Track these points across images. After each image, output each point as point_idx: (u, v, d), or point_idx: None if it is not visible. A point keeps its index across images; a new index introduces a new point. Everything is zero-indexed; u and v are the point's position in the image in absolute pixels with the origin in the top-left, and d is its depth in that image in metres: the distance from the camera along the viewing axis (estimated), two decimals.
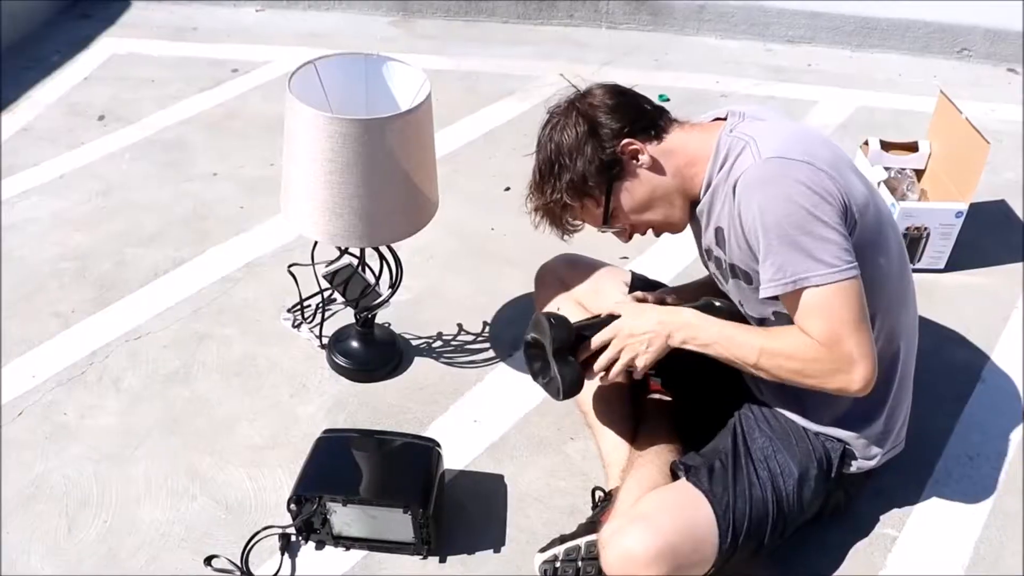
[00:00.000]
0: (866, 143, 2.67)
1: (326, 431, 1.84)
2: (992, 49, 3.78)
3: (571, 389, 1.62)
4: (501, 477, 1.91)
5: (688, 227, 1.70)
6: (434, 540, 1.70)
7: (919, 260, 2.50)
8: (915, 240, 2.46)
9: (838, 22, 3.86)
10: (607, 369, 1.60)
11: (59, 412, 2.04)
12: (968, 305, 2.41)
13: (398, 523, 1.67)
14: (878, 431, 1.66)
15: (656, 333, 1.55)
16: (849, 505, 1.75)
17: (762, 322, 1.62)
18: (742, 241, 1.49)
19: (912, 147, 2.67)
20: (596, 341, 1.60)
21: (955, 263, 2.51)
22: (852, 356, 1.43)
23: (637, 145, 1.56)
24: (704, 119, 1.68)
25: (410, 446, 1.78)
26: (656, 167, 1.58)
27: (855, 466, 1.67)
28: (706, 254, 1.69)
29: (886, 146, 2.67)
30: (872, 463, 1.68)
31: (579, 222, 1.68)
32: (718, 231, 1.57)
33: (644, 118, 1.59)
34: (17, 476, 1.89)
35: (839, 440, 1.65)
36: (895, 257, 1.59)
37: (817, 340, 1.44)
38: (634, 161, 1.58)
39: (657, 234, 1.69)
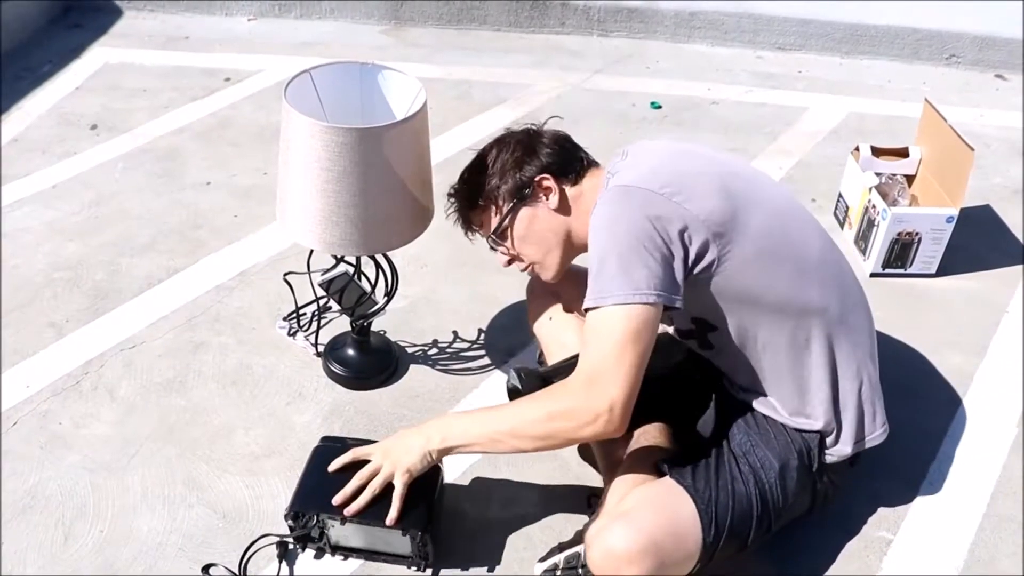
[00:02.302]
0: (857, 149, 2.69)
1: (324, 439, 1.83)
2: (980, 55, 3.81)
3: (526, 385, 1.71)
4: (498, 484, 1.91)
5: None
6: (432, 555, 1.69)
7: (911, 265, 2.52)
8: (906, 245, 2.48)
9: (828, 29, 3.89)
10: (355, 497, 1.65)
11: (54, 422, 2.04)
12: (960, 309, 2.43)
13: (397, 540, 1.67)
14: (840, 420, 1.66)
15: (385, 457, 1.65)
16: (836, 494, 1.75)
17: (689, 334, 1.71)
18: None
19: (903, 152, 2.70)
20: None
21: (947, 268, 2.53)
22: (605, 391, 1.45)
23: (551, 184, 1.68)
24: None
25: None
26: (562, 208, 1.69)
27: (833, 454, 1.68)
28: None
29: (877, 152, 2.69)
30: (849, 450, 1.68)
31: (477, 226, 1.80)
32: None
33: (571, 163, 1.70)
34: (13, 486, 1.88)
35: (811, 431, 1.66)
36: (804, 251, 1.61)
37: (579, 372, 1.48)
38: (543, 196, 1.69)
39: (532, 273, 1.80)
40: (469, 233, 1.82)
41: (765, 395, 1.69)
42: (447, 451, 1.60)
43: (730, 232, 1.51)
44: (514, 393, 1.71)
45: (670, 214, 1.48)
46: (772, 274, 1.57)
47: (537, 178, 1.67)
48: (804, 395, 1.65)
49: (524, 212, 1.70)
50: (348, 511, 1.62)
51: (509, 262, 1.79)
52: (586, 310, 1.49)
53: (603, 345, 1.46)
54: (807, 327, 1.60)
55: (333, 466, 1.69)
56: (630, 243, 1.46)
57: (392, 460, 1.63)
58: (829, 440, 1.67)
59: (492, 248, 1.79)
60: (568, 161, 1.70)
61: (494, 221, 1.74)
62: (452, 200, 1.80)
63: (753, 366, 1.65)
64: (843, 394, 1.66)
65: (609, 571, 1.48)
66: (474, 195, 1.75)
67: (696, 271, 1.51)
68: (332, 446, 1.78)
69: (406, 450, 1.62)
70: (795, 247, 1.61)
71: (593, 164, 1.73)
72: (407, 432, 1.65)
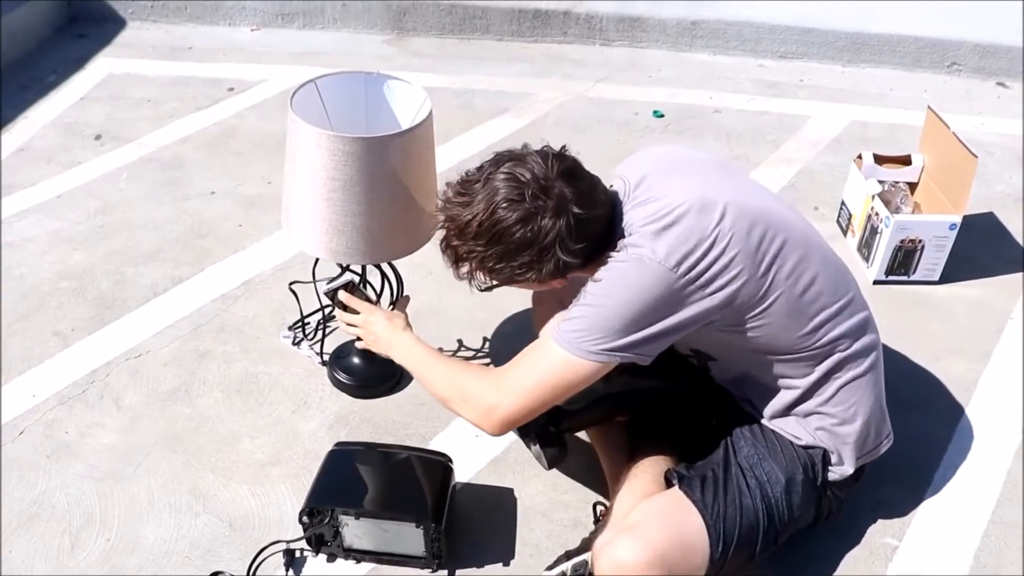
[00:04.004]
0: (859, 157, 2.70)
1: (338, 444, 1.85)
2: (981, 63, 3.82)
3: (554, 462, 1.75)
4: (504, 491, 1.91)
5: None
6: (445, 554, 1.71)
7: (914, 272, 2.52)
8: (910, 252, 2.49)
9: (830, 38, 3.90)
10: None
11: (60, 431, 2.04)
12: (963, 316, 2.43)
13: (409, 537, 1.68)
14: (844, 439, 1.66)
15: (375, 336, 1.80)
16: (842, 509, 1.76)
17: (697, 356, 1.70)
18: None
19: (905, 160, 2.70)
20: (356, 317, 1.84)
21: (950, 275, 2.53)
22: (502, 399, 1.54)
23: (573, 274, 1.55)
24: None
25: (422, 460, 1.79)
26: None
27: (835, 472, 1.68)
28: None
29: (879, 160, 2.70)
30: (850, 469, 1.69)
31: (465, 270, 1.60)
32: None
33: (598, 249, 1.52)
34: (19, 495, 1.89)
35: (816, 447, 1.66)
36: (820, 271, 1.56)
37: (500, 370, 1.57)
38: (557, 278, 1.55)
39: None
40: (450, 268, 1.63)
41: (769, 414, 1.69)
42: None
43: (758, 304, 1.50)
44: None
45: (691, 305, 1.46)
46: (797, 327, 1.55)
47: (558, 271, 1.52)
48: (805, 418, 1.65)
49: (527, 281, 1.57)
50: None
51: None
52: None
53: (531, 370, 1.53)
54: (824, 364, 1.60)
55: (336, 292, 1.85)
56: (625, 313, 1.45)
57: (374, 333, 1.79)
58: (833, 459, 1.67)
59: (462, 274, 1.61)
60: (596, 245, 1.52)
61: (488, 281, 1.59)
62: (445, 244, 1.59)
63: (756, 390, 1.67)
64: (846, 422, 1.66)
65: None
66: (473, 256, 1.53)
67: (706, 330, 1.51)
68: (346, 450, 1.80)
69: (373, 340, 1.80)
70: (823, 288, 1.55)
71: (609, 244, 1.54)
72: (396, 332, 1.77)
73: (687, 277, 1.44)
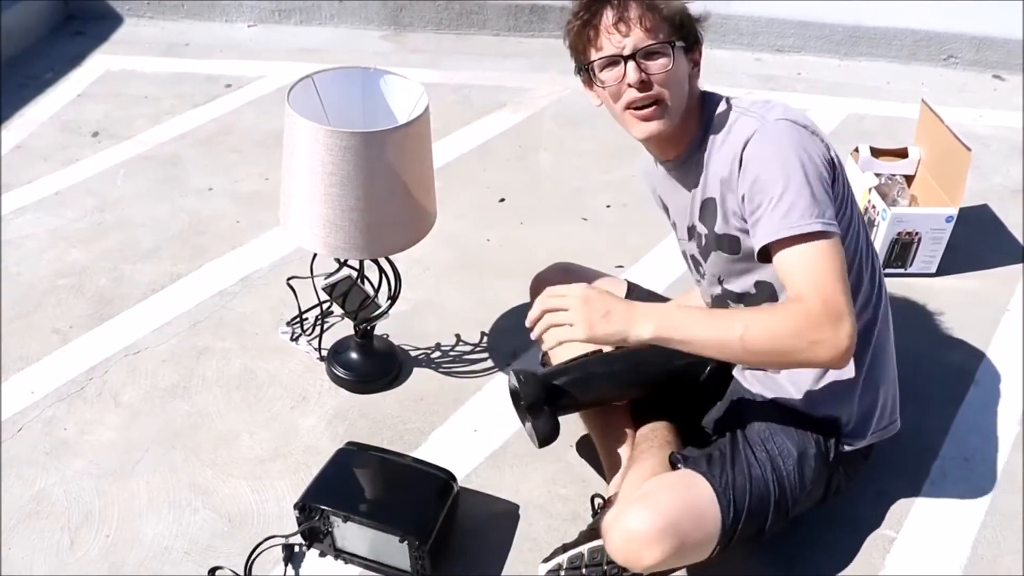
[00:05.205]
0: (856, 150, 2.70)
1: (349, 443, 1.85)
2: (978, 56, 3.83)
3: (546, 440, 1.69)
4: (503, 486, 1.92)
5: (668, 212, 1.77)
6: (429, 572, 1.66)
7: (911, 264, 2.53)
8: (907, 245, 2.49)
9: (826, 31, 3.90)
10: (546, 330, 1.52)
11: (59, 427, 2.04)
12: (961, 308, 2.43)
13: (396, 549, 1.66)
14: (865, 406, 1.67)
15: (581, 306, 1.45)
16: (850, 486, 1.76)
17: (742, 297, 1.66)
18: (738, 200, 1.52)
19: (902, 153, 2.71)
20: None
21: (946, 267, 2.54)
22: (842, 311, 1.39)
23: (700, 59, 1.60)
24: None
25: (424, 475, 1.77)
26: (695, 77, 1.60)
27: (849, 444, 1.69)
28: (688, 233, 1.72)
29: (876, 152, 2.70)
30: (864, 441, 1.69)
31: (645, 24, 1.51)
32: (706, 204, 1.61)
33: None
34: (18, 492, 1.89)
35: (831, 419, 1.67)
36: (863, 227, 1.65)
37: (808, 296, 1.39)
38: (695, 64, 1.59)
39: (646, 117, 1.55)
40: (621, 26, 1.50)
41: (788, 386, 1.68)
42: (656, 340, 1.43)
43: (849, 193, 1.55)
44: (515, 396, 1.72)
45: (824, 148, 1.50)
46: (852, 253, 1.57)
47: (698, 45, 1.57)
48: (830, 379, 1.65)
49: (682, 59, 1.54)
50: (534, 332, 1.50)
51: (643, 83, 1.50)
52: (779, 240, 1.43)
53: (823, 276, 1.40)
54: (866, 315, 1.62)
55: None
56: (820, 176, 1.46)
57: (583, 315, 1.44)
58: (849, 429, 1.68)
59: (636, 60, 1.49)
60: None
61: (662, 32, 1.51)
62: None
63: None
64: (877, 382, 1.67)
65: (630, 554, 1.48)
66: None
67: None
68: (354, 451, 1.81)
69: (604, 315, 1.43)
70: (869, 239, 1.63)
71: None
72: (614, 299, 1.47)
73: (822, 136, 1.52)
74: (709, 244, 1.65)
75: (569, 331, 1.45)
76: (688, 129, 1.60)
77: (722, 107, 1.60)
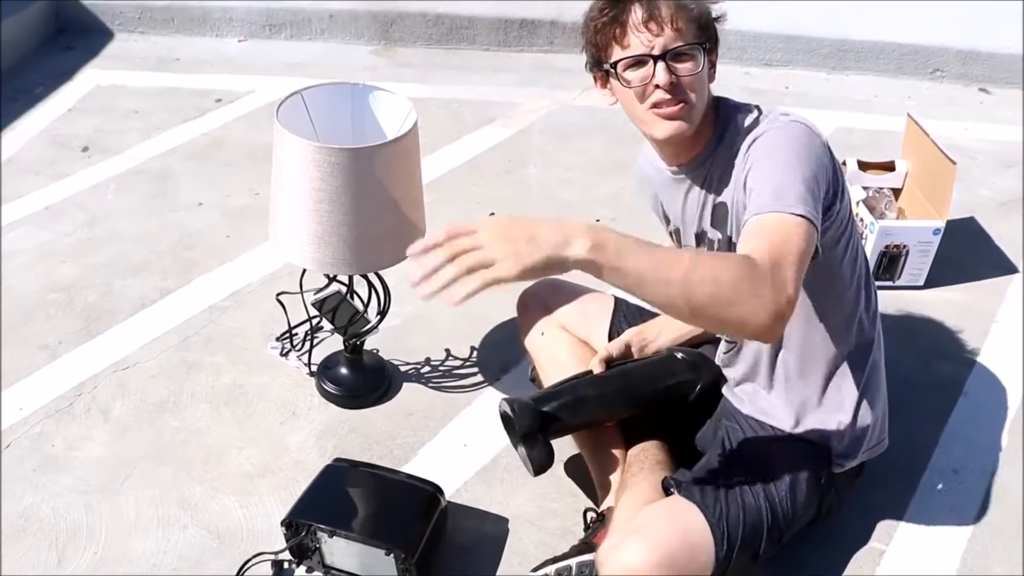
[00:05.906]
0: (844, 163, 2.71)
1: (336, 459, 1.85)
2: (964, 70, 3.85)
3: (540, 469, 1.69)
4: (493, 499, 1.92)
5: (668, 220, 1.77)
6: None
7: (899, 277, 2.54)
8: (894, 258, 2.50)
9: (814, 45, 3.93)
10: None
11: (47, 444, 2.03)
12: (949, 320, 2.45)
13: (383, 564, 1.65)
14: (859, 425, 1.68)
15: (499, 238, 1.19)
16: (842, 506, 1.76)
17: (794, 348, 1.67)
18: (746, 197, 1.47)
19: (889, 166, 2.72)
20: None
21: (934, 280, 2.55)
22: (787, 285, 1.28)
23: (716, 55, 1.58)
24: None
25: (410, 489, 1.77)
26: (712, 79, 1.59)
27: (840, 466, 1.69)
28: (696, 240, 1.69)
29: (864, 166, 2.72)
30: (856, 460, 1.70)
31: (676, 24, 1.49)
32: (717, 208, 1.60)
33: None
34: (6, 508, 1.88)
35: (822, 441, 1.67)
36: (861, 250, 1.66)
37: (762, 257, 1.30)
38: (715, 56, 1.57)
39: (672, 115, 1.53)
40: (652, 25, 1.47)
41: (781, 407, 1.69)
42: (590, 265, 1.20)
43: (846, 199, 1.55)
44: (506, 420, 1.71)
45: (831, 162, 1.50)
46: (860, 266, 1.59)
47: (717, 45, 1.57)
48: (827, 398, 1.66)
49: (705, 61, 1.53)
50: (421, 291, 1.20)
51: (671, 85, 1.48)
52: (756, 215, 1.39)
53: (785, 248, 1.33)
54: (869, 326, 1.64)
55: (427, 239, 1.22)
56: (813, 169, 1.44)
57: (506, 247, 1.18)
58: (841, 449, 1.68)
59: (666, 62, 1.47)
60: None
61: (690, 33, 1.50)
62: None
63: (787, 363, 1.66)
64: (872, 401, 1.68)
65: None
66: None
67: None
68: (341, 466, 1.80)
69: (529, 239, 1.18)
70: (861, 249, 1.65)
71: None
72: (534, 219, 1.22)
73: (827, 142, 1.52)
74: (721, 250, 1.63)
75: (495, 271, 1.18)
76: (704, 132, 1.59)
77: (738, 111, 1.59)
